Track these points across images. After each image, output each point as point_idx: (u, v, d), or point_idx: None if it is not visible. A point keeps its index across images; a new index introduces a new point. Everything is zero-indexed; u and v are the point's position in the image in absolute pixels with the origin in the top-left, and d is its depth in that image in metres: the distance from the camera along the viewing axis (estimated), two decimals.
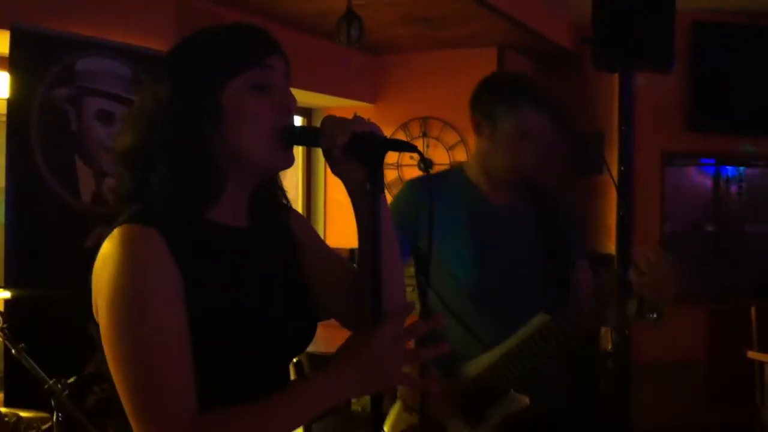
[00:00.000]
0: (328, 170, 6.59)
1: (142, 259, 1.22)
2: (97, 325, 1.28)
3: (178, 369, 1.21)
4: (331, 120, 1.31)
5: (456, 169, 2.52)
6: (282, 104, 1.34)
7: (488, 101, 2.35)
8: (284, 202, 1.50)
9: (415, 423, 2.36)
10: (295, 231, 1.52)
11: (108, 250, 1.24)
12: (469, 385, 2.35)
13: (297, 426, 1.26)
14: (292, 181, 6.35)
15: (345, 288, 1.49)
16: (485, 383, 2.32)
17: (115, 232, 1.25)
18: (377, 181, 1.30)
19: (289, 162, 1.37)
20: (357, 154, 1.29)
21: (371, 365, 1.24)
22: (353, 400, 4.42)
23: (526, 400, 2.31)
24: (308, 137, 1.37)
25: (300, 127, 1.35)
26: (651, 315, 2.23)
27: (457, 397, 2.36)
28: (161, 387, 1.19)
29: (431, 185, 2.43)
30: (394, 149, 1.32)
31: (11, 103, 3.38)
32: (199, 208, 1.32)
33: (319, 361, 3.80)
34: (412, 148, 1.32)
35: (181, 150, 1.29)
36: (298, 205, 6.45)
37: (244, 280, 1.33)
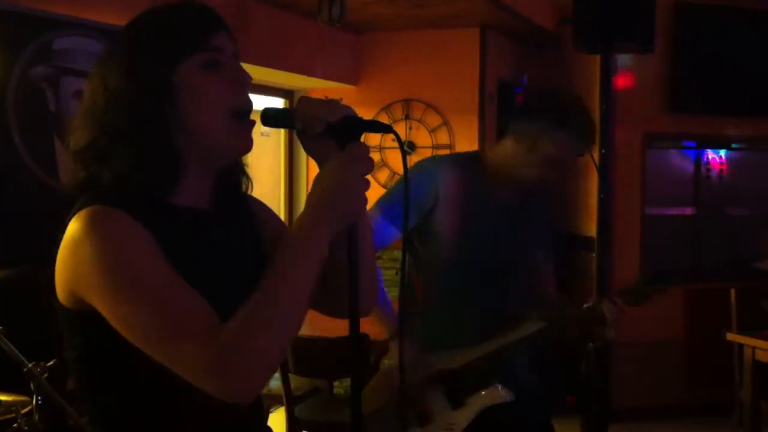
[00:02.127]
0: (311, 159, 6.57)
1: (116, 232, 1.22)
2: (63, 310, 1.28)
3: (188, 292, 1.21)
4: (306, 103, 1.29)
5: (474, 157, 2.54)
6: (234, 80, 1.33)
7: (541, 118, 2.37)
8: (246, 187, 1.48)
9: (392, 399, 2.39)
10: (256, 213, 1.51)
11: (78, 230, 1.23)
12: (455, 368, 2.39)
13: (309, 279, 1.24)
14: (274, 165, 6.31)
15: None
16: (472, 369, 2.39)
17: (82, 213, 1.24)
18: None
19: (247, 144, 1.35)
20: (334, 136, 1.28)
21: (337, 188, 1.25)
22: (336, 383, 4.43)
23: (510, 396, 2.37)
24: (283, 120, 1.36)
25: (274, 108, 1.34)
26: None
27: (441, 377, 2.39)
28: (179, 311, 1.19)
29: (442, 168, 2.48)
30: (371, 130, 1.31)
31: None
32: (159, 193, 1.30)
33: (298, 342, 3.81)
34: (388, 130, 1.32)
35: (138, 136, 1.27)
36: (280, 192, 6.42)
37: (208, 262, 1.32)
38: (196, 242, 1.33)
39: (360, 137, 1.28)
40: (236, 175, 1.45)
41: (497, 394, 2.38)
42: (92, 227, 1.22)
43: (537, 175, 2.39)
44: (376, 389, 2.48)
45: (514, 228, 2.48)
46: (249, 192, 1.49)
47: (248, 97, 1.36)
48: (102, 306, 1.21)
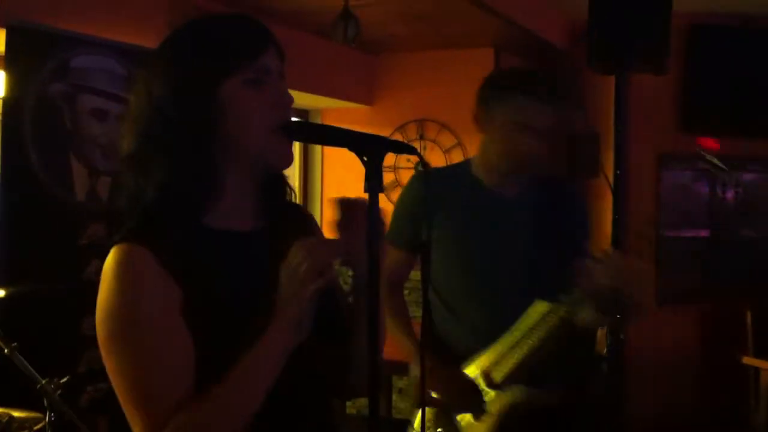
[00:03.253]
0: (325, 168, 6.56)
1: (131, 280, 1.24)
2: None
3: (166, 369, 1.23)
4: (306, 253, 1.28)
5: (462, 164, 2.58)
6: (278, 99, 1.33)
7: (486, 95, 2.41)
8: (290, 197, 1.49)
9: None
10: (308, 222, 1.54)
11: (104, 271, 1.27)
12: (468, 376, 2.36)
13: (260, 393, 1.26)
14: (289, 178, 6.32)
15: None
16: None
17: (112, 252, 1.27)
18: (376, 182, 1.29)
19: (289, 158, 1.36)
20: (356, 153, 1.28)
21: (287, 295, 1.26)
22: (348, 402, 4.41)
23: (531, 392, 2.30)
24: None
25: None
26: (611, 316, 2.15)
27: (458, 386, 2.36)
28: (147, 388, 1.22)
29: (436, 178, 2.52)
30: (395, 151, 1.32)
31: (6, 100, 3.37)
32: (197, 212, 1.30)
33: None
34: (411, 150, 1.32)
35: (180, 147, 1.28)
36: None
37: (247, 285, 1.32)
38: (231, 264, 1.33)
39: (383, 157, 1.28)
40: (279, 187, 1.45)
41: (520, 392, 2.32)
42: (115, 271, 1.25)
43: (507, 152, 2.36)
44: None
45: (513, 222, 2.42)
46: (293, 199, 1.49)
47: (289, 117, 1.36)
48: (102, 346, 1.26)
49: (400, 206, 2.53)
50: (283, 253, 1.35)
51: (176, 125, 1.27)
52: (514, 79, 2.38)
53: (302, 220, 1.53)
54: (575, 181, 2.41)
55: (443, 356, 2.40)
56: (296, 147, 6.05)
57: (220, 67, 1.29)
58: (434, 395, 2.37)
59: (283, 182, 1.46)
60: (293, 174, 6.41)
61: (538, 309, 2.27)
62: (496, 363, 2.32)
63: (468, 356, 2.37)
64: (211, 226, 1.32)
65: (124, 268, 1.24)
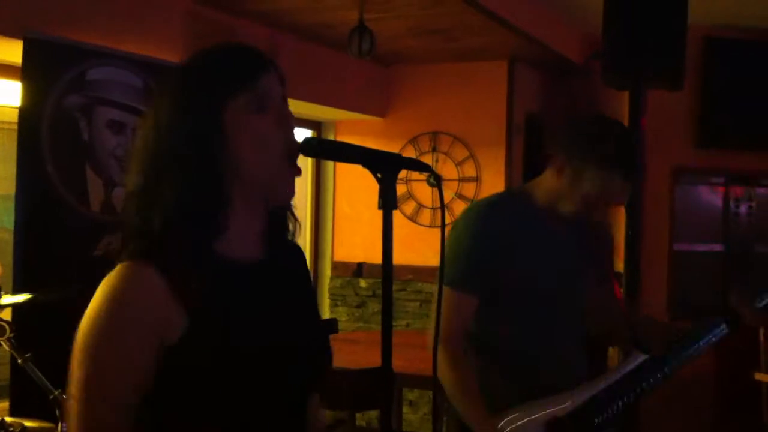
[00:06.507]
0: (337, 183, 6.57)
1: (124, 302, 1.24)
2: None
3: (116, 413, 1.24)
4: None
5: (521, 194, 2.38)
6: (282, 123, 1.33)
7: (582, 154, 2.20)
8: (294, 230, 1.48)
9: None
10: (308, 275, 1.54)
11: (103, 283, 1.26)
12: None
13: None
14: (301, 193, 6.34)
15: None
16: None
17: (117, 268, 1.26)
18: (390, 198, 1.29)
19: (291, 189, 1.36)
20: (369, 168, 1.28)
21: None
22: (358, 415, 4.41)
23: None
24: None
25: None
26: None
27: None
28: (102, 389, 1.25)
29: (499, 211, 2.32)
30: (409, 168, 1.32)
31: (23, 111, 3.40)
32: (206, 239, 1.30)
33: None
34: (426, 168, 1.32)
35: (186, 172, 1.28)
36: (307, 218, 6.45)
37: (254, 317, 1.32)
38: (240, 295, 1.33)
39: (397, 173, 1.28)
40: (285, 217, 1.45)
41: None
42: (112, 288, 1.25)
43: (579, 212, 2.24)
44: None
45: (571, 254, 2.34)
46: (298, 233, 1.48)
47: (294, 139, 1.36)
48: (74, 351, 1.28)
49: (463, 243, 2.26)
50: (285, 286, 1.36)
51: (182, 148, 1.28)
52: (617, 152, 2.17)
53: (299, 255, 1.53)
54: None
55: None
56: (308, 162, 6.13)
57: (221, 90, 1.31)
58: None
59: (289, 213, 1.46)
60: (305, 188, 6.42)
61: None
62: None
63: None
64: (219, 254, 1.32)
65: (121, 287, 1.24)
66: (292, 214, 1.46)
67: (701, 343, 2.40)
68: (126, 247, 1.29)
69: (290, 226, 1.46)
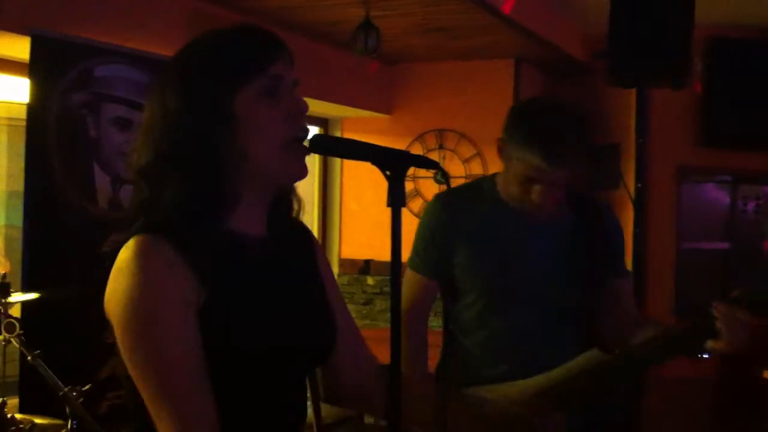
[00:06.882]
0: (344, 179, 6.57)
1: (153, 272, 1.22)
2: (112, 329, 1.28)
3: (194, 377, 1.22)
4: None
5: (486, 181, 2.39)
6: (293, 110, 1.33)
7: (509, 137, 2.21)
8: (297, 209, 1.48)
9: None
10: (316, 252, 1.53)
11: (122, 260, 1.24)
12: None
13: None
14: (308, 190, 6.36)
15: (342, 336, 1.50)
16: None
17: (130, 243, 1.25)
18: (399, 196, 1.29)
19: (303, 171, 1.35)
20: (379, 166, 1.28)
21: None
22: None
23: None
24: None
25: None
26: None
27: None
28: (181, 395, 1.21)
29: (457, 200, 2.36)
30: (418, 165, 1.32)
31: (31, 108, 3.41)
32: (214, 218, 1.30)
33: None
34: (434, 165, 1.32)
35: (195, 161, 1.28)
36: (314, 215, 6.46)
37: (265, 288, 1.34)
38: (252, 267, 1.34)
39: (406, 170, 1.28)
40: (287, 198, 1.45)
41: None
42: (136, 262, 1.23)
43: (520, 195, 2.21)
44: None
45: (541, 247, 2.28)
46: (300, 214, 1.48)
47: (304, 125, 1.35)
48: (119, 339, 1.24)
49: (421, 230, 2.38)
50: (288, 264, 1.37)
51: (190, 137, 1.28)
52: (534, 131, 2.16)
53: (305, 235, 1.54)
54: (597, 193, 2.33)
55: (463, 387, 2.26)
56: (315, 158, 6.14)
57: (233, 79, 1.29)
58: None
59: (293, 194, 1.46)
60: (312, 185, 6.43)
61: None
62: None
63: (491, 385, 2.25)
64: (230, 229, 1.33)
65: (145, 259, 1.22)
66: (296, 194, 1.46)
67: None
68: (138, 222, 1.29)
69: (295, 205, 1.46)
